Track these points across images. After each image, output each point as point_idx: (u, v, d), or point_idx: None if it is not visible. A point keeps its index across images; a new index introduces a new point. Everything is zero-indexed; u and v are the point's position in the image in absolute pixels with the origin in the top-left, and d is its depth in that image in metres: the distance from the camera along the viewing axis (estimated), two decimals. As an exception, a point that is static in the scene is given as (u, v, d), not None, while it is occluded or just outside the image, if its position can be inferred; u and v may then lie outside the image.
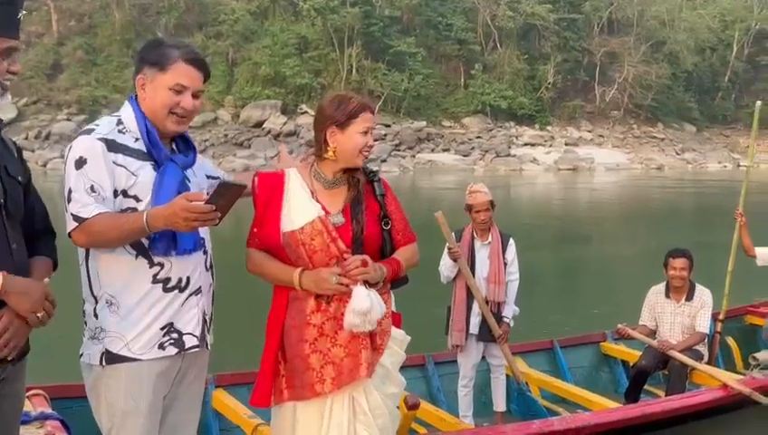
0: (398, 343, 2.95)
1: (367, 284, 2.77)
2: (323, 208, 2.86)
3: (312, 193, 2.89)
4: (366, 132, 2.88)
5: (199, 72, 2.67)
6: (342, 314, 2.76)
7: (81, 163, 2.51)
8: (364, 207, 2.90)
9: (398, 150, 42.99)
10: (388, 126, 44.74)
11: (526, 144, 47.32)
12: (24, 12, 2.32)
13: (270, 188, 2.91)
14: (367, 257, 2.79)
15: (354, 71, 46.88)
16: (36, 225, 2.46)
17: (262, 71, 44.84)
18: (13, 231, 2.31)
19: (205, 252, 2.72)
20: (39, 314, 2.22)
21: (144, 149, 2.60)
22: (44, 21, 47.33)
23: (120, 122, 2.63)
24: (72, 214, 2.51)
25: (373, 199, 2.96)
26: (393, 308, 3.01)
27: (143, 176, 2.57)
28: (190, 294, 2.65)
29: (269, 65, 44.99)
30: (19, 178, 2.41)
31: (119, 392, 2.56)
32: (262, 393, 2.87)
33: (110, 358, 2.57)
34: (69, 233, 2.53)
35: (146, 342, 2.58)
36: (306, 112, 43.49)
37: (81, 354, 2.66)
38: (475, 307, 5.08)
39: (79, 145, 2.55)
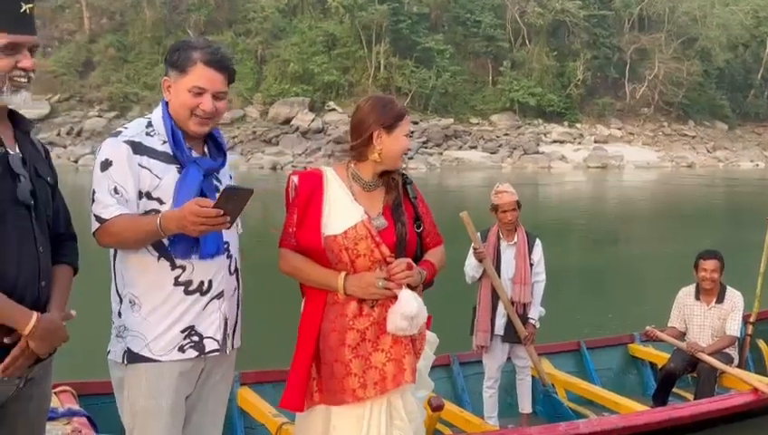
0: (429, 346, 2.94)
1: (410, 287, 2.76)
2: (365, 211, 2.84)
3: (353, 195, 2.87)
4: (408, 135, 2.89)
5: (220, 73, 2.65)
6: (385, 319, 2.74)
7: (106, 165, 2.55)
8: (404, 210, 2.89)
9: (425, 148, 42.88)
10: (415, 123, 44.52)
11: (555, 141, 46.94)
12: (31, 6, 2.30)
13: (310, 188, 2.86)
14: (410, 261, 2.78)
15: (382, 68, 46.82)
16: (60, 228, 2.48)
17: (290, 68, 44.97)
18: (40, 234, 2.33)
19: (229, 256, 2.71)
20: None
21: (170, 151, 2.61)
22: (76, 18, 47.88)
23: (149, 124, 2.66)
24: (94, 214, 2.55)
25: (408, 202, 2.95)
26: None
27: (167, 178, 2.58)
28: (212, 298, 2.65)
29: (297, 62, 45.10)
30: (48, 179, 2.44)
31: (140, 391, 2.58)
32: (294, 396, 2.84)
33: (132, 357, 2.59)
34: (93, 233, 2.57)
35: (166, 343, 2.59)
36: (334, 110, 43.58)
37: (109, 351, 2.69)
38: (501, 308, 5.06)
39: (106, 147, 2.59)
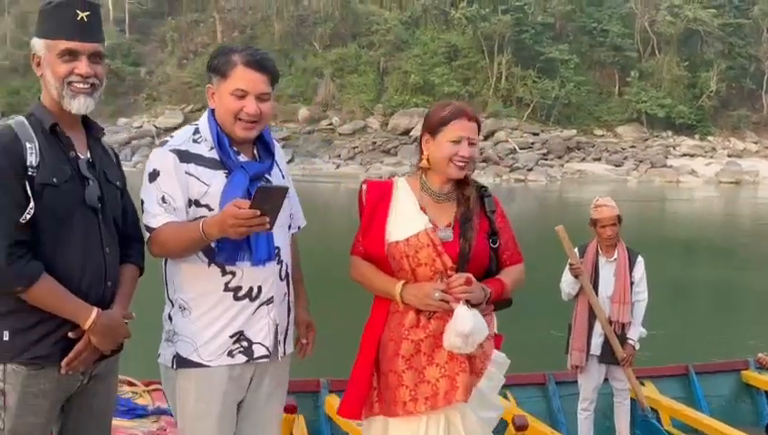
0: (497, 367, 2.83)
1: (469, 304, 2.67)
2: (431, 221, 2.79)
3: (421, 205, 2.83)
4: (458, 141, 2.76)
5: (261, 74, 2.62)
6: (442, 333, 2.67)
7: (154, 175, 2.56)
8: (474, 223, 2.80)
9: (546, 159, 42.09)
10: (536, 134, 43.99)
11: (684, 155, 44.97)
12: (87, 13, 2.38)
13: (377, 197, 2.87)
14: (471, 276, 2.69)
15: (503, 78, 46.42)
16: (127, 230, 2.57)
17: (411, 79, 45.30)
18: (108, 235, 2.44)
19: (279, 262, 2.70)
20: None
21: (218, 157, 2.61)
22: (210, 32, 50.10)
23: (196, 131, 2.66)
24: (144, 225, 2.58)
25: (483, 216, 2.86)
26: (495, 330, 2.89)
27: (215, 185, 2.57)
28: (261, 304, 2.64)
29: (418, 74, 45.38)
30: (117, 183, 2.54)
31: (189, 395, 2.60)
32: (352, 404, 2.83)
33: (181, 362, 2.61)
34: (146, 243, 2.61)
35: (215, 348, 2.59)
36: (454, 120, 43.56)
37: (159, 355, 2.72)
38: (598, 327, 4.85)
39: (153, 158, 2.60)
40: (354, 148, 42.03)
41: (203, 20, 51.35)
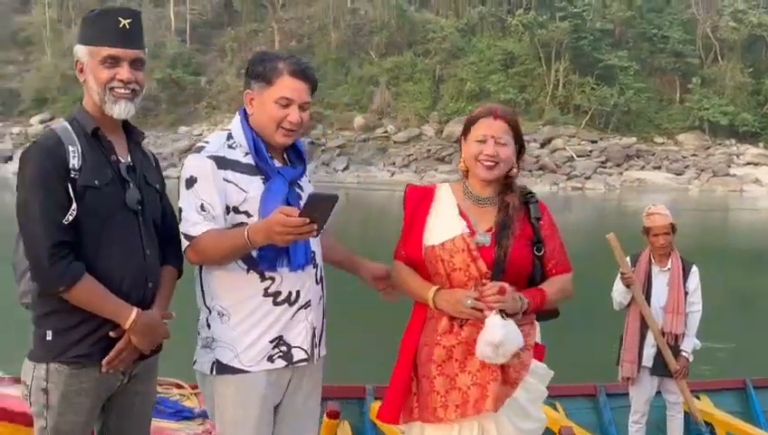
0: (537, 377, 2.76)
1: (504, 313, 2.62)
2: (469, 226, 2.75)
3: (461, 209, 2.80)
4: (483, 140, 2.74)
5: (305, 83, 2.63)
6: (475, 340, 2.63)
7: (191, 182, 2.54)
8: (513, 231, 2.73)
9: (604, 167, 41.42)
10: (594, 142, 43.31)
11: (748, 163, 43.69)
12: (129, 20, 2.43)
13: (417, 202, 2.86)
14: (506, 285, 2.63)
15: (561, 85, 45.90)
16: (167, 232, 2.61)
17: (467, 87, 45.14)
18: (148, 238, 2.48)
19: (315, 265, 2.71)
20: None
21: (253, 163, 2.61)
22: (269, 41, 50.71)
23: (230, 137, 2.64)
24: (183, 233, 2.56)
25: (527, 222, 2.80)
26: (537, 340, 2.83)
27: (253, 191, 2.57)
28: (300, 308, 2.64)
29: (474, 81, 45.20)
30: (156, 186, 2.59)
31: (228, 401, 2.60)
32: (390, 409, 2.81)
33: (221, 368, 2.60)
34: (183, 251, 2.59)
35: (255, 354, 2.59)
36: (509, 128, 43.21)
37: (195, 362, 2.71)
38: (650, 338, 4.74)
39: (189, 164, 2.58)
40: (409, 155, 42.03)
41: (261, 30, 52.07)
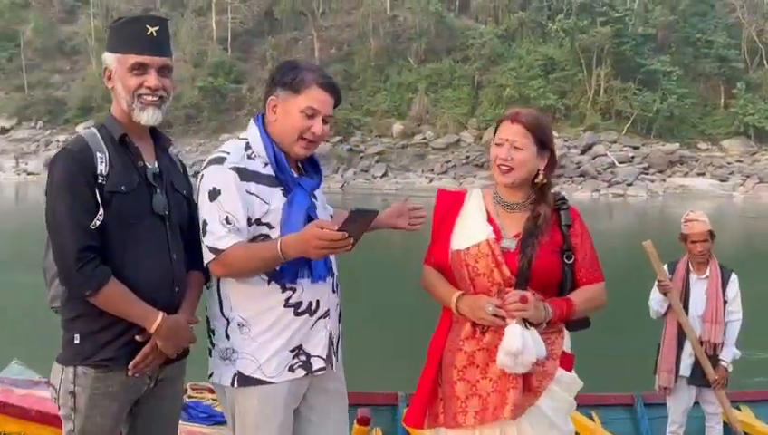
0: (563, 387, 2.72)
1: (527, 323, 2.59)
2: (496, 231, 2.73)
3: (489, 214, 2.78)
4: (500, 144, 2.74)
5: (331, 97, 2.63)
6: (496, 347, 2.61)
7: (215, 194, 2.51)
8: (541, 239, 2.70)
9: (647, 174, 40.79)
10: (636, 148, 42.69)
11: (796, 169, 42.73)
12: (156, 28, 2.45)
13: (447, 206, 2.86)
14: (528, 294, 2.60)
15: (602, 91, 45.39)
16: (193, 237, 2.63)
17: (506, 93, 44.86)
18: (174, 243, 2.51)
19: (332, 275, 2.72)
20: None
21: (273, 173, 2.59)
22: (308, 49, 51.08)
23: (248, 147, 2.62)
24: (208, 246, 2.52)
25: (557, 229, 2.76)
26: (566, 349, 2.79)
27: (275, 203, 2.56)
28: (319, 318, 2.64)
29: (514, 87, 44.90)
30: (183, 192, 2.61)
31: (250, 411, 2.59)
32: (415, 413, 2.81)
33: (244, 380, 2.58)
34: (206, 264, 2.56)
35: (277, 364, 2.58)
36: (549, 134, 42.83)
37: (211, 374, 2.68)
38: (687, 347, 4.66)
39: (211, 175, 2.54)
40: (447, 162, 41.90)
41: (301, 38, 52.44)
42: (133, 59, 2.43)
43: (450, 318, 2.79)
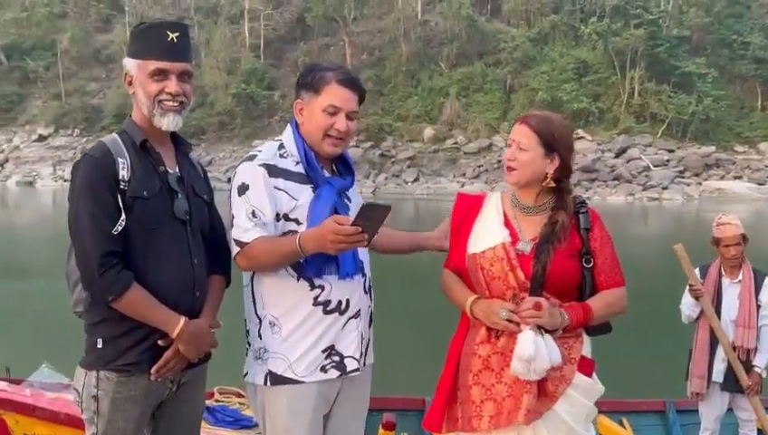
0: (581, 392, 2.68)
1: (542, 329, 2.57)
2: (513, 234, 2.71)
3: (507, 218, 2.77)
4: (509, 144, 2.75)
5: (353, 92, 2.66)
6: (511, 351, 2.59)
7: (243, 189, 2.57)
8: (557, 245, 2.66)
9: (682, 177, 40.26)
10: (671, 151, 42.15)
11: (837, 172, 41.85)
12: (177, 34, 2.46)
13: (465, 210, 2.85)
14: (543, 301, 2.57)
15: (636, 94, 44.92)
16: (214, 242, 2.65)
17: (539, 96, 44.58)
18: (195, 247, 2.53)
19: (363, 275, 2.72)
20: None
21: (304, 172, 2.64)
22: (340, 55, 51.31)
23: (281, 146, 2.69)
24: (234, 239, 2.58)
25: (576, 233, 2.73)
26: (586, 354, 2.75)
27: (303, 199, 2.60)
28: (350, 317, 2.65)
29: (546, 91, 44.63)
30: (204, 196, 2.63)
31: (281, 411, 2.61)
32: (433, 417, 2.79)
33: (275, 379, 2.62)
34: (234, 257, 2.62)
35: (308, 364, 2.60)
36: (582, 138, 42.43)
37: (246, 373, 2.72)
38: (720, 352, 4.58)
39: (242, 172, 2.61)
40: (479, 166, 41.76)
41: (333, 44, 52.68)
42: (154, 65, 2.45)
43: (467, 322, 2.78)
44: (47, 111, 50.97)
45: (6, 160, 48.01)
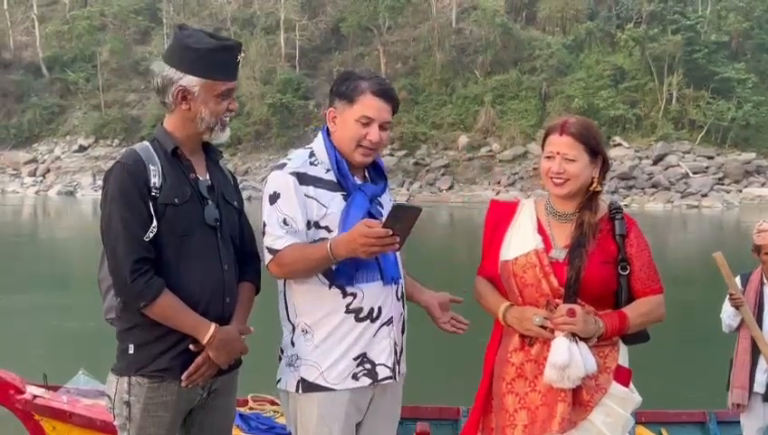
0: (617, 401, 2.63)
1: (576, 337, 2.53)
2: (546, 241, 2.69)
3: (540, 225, 2.74)
4: (550, 156, 2.69)
5: (387, 103, 2.65)
6: (545, 359, 2.56)
7: (274, 198, 2.59)
8: (589, 249, 2.63)
9: (722, 184, 39.62)
10: (710, 158, 41.52)
11: None
12: (242, 55, 2.51)
13: (498, 217, 2.84)
14: (577, 308, 2.54)
15: (674, 100, 44.36)
16: (245, 249, 2.65)
17: (574, 103, 44.19)
18: (226, 254, 2.54)
19: (396, 282, 2.70)
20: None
21: (335, 179, 2.64)
22: (374, 64, 51.45)
23: (312, 154, 2.69)
24: (266, 247, 2.60)
25: (611, 240, 2.69)
26: (623, 362, 2.70)
27: (334, 207, 2.60)
28: (382, 325, 2.64)
29: (582, 98, 44.24)
30: (234, 204, 2.64)
31: (312, 418, 2.61)
32: (470, 427, 2.78)
33: (307, 386, 2.62)
34: (266, 265, 2.63)
35: (340, 371, 2.60)
36: (620, 145, 42.04)
37: (279, 380, 2.73)
38: (762, 363, 4.46)
39: (272, 180, 2.63)
40: (514, 174, 41.55)
41: (367, 53, 52.85)
42: (224, 86, 2.49)
43: (501, 330, 2.76)
44: (87, 121, 51.86)
45: (48, 171, 48.91)
